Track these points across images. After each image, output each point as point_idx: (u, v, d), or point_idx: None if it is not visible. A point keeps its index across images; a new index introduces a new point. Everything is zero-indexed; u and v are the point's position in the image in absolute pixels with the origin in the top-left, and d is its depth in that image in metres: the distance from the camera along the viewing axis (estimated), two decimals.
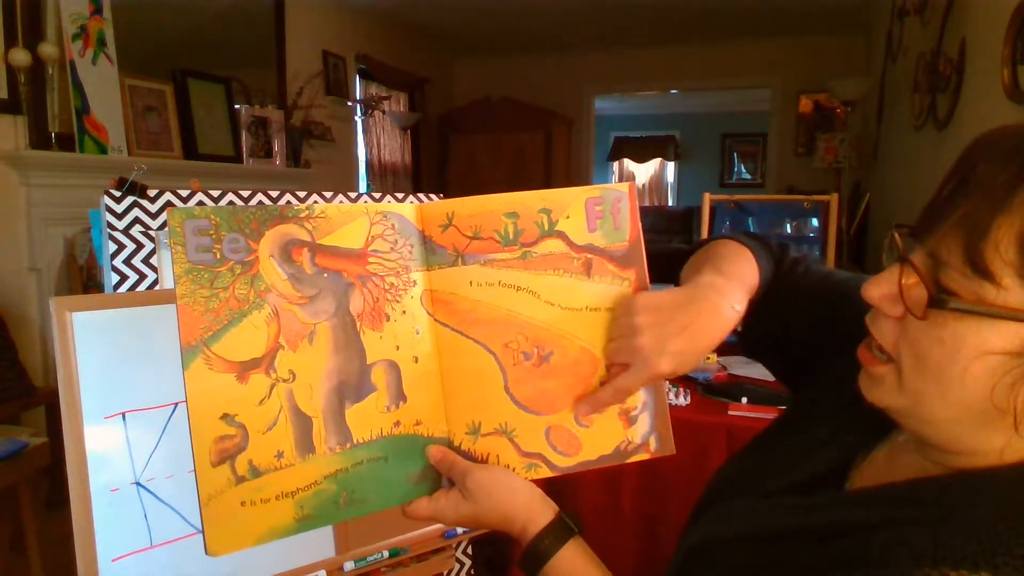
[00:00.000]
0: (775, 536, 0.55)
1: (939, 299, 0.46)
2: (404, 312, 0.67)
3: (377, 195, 1.26)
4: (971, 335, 0.46)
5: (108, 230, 1.02)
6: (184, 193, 1.08)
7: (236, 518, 0.58)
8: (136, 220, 1.04)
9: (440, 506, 0.65)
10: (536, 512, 0.63)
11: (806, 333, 0.71)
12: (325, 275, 0.64)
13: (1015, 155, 0.45)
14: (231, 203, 1.09)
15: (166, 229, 1.07)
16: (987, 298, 0.45)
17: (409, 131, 5.91)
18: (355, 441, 0.64)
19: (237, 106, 3.79)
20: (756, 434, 0.73)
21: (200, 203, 1.07)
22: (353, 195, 1.19)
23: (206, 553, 0.56)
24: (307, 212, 0.63)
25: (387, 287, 0.66)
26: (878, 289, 0.51)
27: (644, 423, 0.69)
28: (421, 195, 1.28)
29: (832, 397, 0.66)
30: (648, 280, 0.68)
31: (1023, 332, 0.44)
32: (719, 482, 0.70)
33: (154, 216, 1.06)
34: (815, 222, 2.47)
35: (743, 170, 9.52)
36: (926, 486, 0.51)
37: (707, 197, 2.53)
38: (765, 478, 0.63)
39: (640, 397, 0.68)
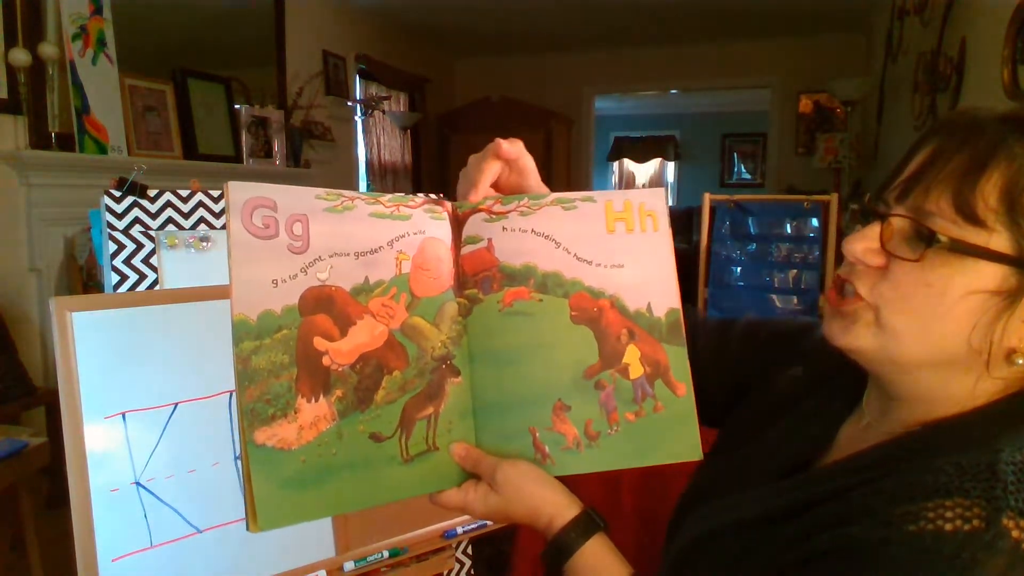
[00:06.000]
0: (758, 521, 0.57)
1: (936, 239, 0.50)
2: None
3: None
4: (958, 276, 0.50)
5: (108, 230, 1.02)
6: (184, 193, 1.08)
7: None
8: (136, 220, 1.04)
9: (469, 498, 0.65)
10: (563, 507, 0.64)
11: (744, 366, 0.77)
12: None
13: (989, 123, 0.52)
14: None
15: (166, 230, 1.07)
16: (975, 242, 0.50)
17: (409, 131, 5.90)
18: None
19: (237, 106, 3.79)
20: (713, 445, 0.76)
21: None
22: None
23: (258, 530, 0.54)
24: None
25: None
26: (861, 243, 0.55)
27: None
28: (421, 195, 1.28)
29: (779, 397, 0.70)
30: None
31: (1006, 272, 0.49)
32: (691, 492, 0.72)
33: (154, 216, 1.06)
34: (815, 222, 2.47)
35: (743, 170, 9.50)
36: (891, 445, 0.55)
37: (707, 197, 2.53)
38: (738, 478, 0.65)
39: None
